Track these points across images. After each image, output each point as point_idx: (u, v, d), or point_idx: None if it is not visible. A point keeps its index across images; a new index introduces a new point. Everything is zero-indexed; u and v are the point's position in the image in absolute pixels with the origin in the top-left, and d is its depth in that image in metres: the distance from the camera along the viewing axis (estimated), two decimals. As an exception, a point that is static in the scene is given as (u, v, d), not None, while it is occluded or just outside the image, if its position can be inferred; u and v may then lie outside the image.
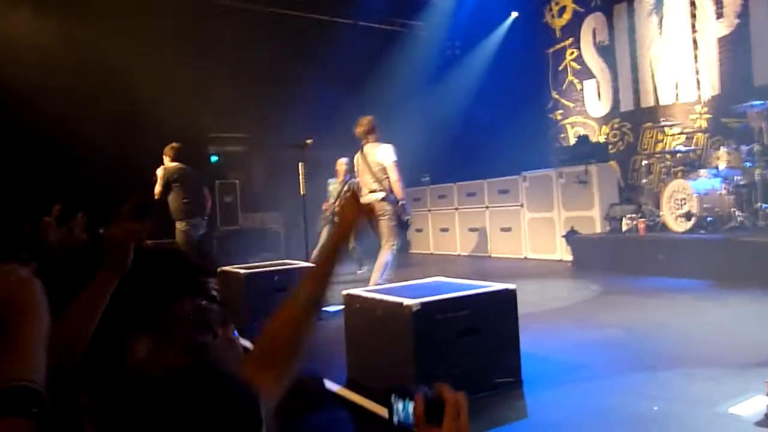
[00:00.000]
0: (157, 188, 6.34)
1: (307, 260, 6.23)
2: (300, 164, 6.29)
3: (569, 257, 7.77)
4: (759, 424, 2.55)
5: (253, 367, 1.14)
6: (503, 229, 9.24)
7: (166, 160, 6.50)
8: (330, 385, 3.56)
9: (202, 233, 6.77)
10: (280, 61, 9.93)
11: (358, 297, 3.36)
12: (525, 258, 8.78)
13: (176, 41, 8.32)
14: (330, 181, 8.29)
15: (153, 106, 7.61)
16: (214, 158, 10.86)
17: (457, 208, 10.21)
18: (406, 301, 2.97)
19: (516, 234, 9.00)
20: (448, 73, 10.79)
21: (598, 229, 7.80)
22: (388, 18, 10.90)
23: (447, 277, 4.11)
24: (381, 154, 5.55)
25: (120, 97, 7.81)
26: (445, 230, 10.48)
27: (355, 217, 1.31)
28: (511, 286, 3.29)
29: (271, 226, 10.77)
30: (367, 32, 10.71)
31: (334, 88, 9.35)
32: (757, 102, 6.40)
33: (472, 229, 9.86)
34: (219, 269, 5.91)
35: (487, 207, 9.59)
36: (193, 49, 8.76)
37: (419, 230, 11.11)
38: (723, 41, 7.84)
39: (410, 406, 1.00)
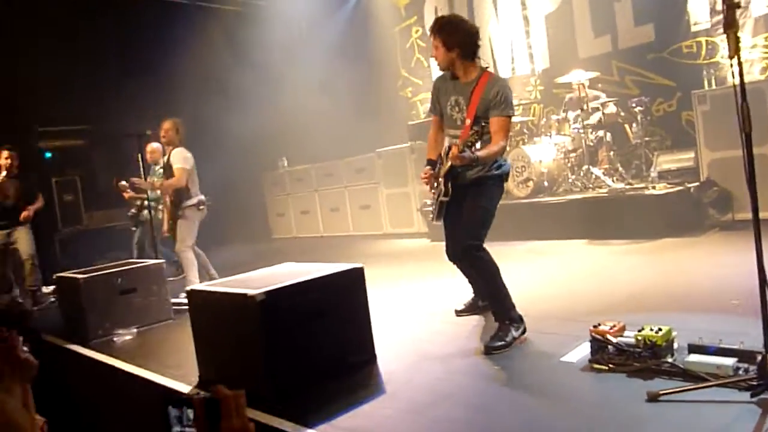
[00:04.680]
0: None
1: (156, 257, 5.89)
2: (140, 156, 5.91)
3: (425, 229, 8.04)
4: (583, 369, 2.79)
5: None
6: (362, 207, 9.35)
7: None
8: (182, 387, 3.40)
9: None
10: (119, 47, 9.23)
11: (201, 292, 3.21)
12: (385, 233, 8.96)
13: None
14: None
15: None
16: (47, 154, 9.88)
17: (316, 190, 10.17)
18: (251, 292, 2.88)
19: (375, 210, 9.15)
20: (298, 53, 10.61)
21: (450, 200, 8.12)
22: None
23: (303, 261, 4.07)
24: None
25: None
26: (306, 212, 10.42)
27: None
28: (358, 264, 3.31)
29: (120, 223, 10.07)
30: (210, 13, 10.25)
31: (179, 72, 8.86)
32: (581, 72, 6.95)
33: (333, 209, 9.88)
34: (55, 276, 5.43)
35: (345, 187, 9.64)
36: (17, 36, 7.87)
37: (281, 215, 10.97)
38: (549, 17, 8.42)
39: (190, 413, 0.98)
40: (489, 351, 3.23)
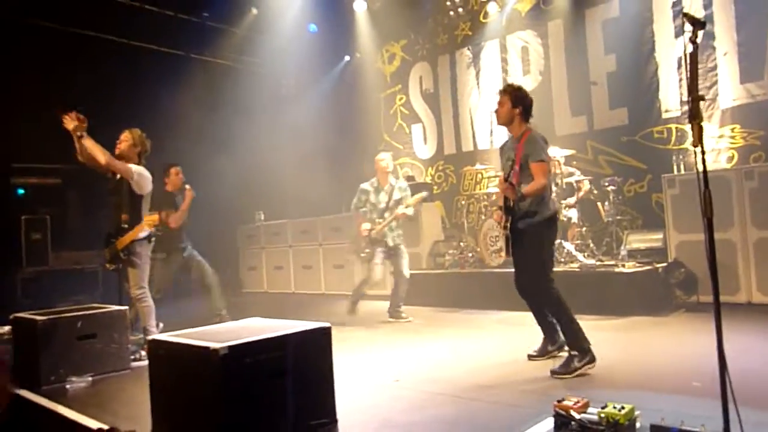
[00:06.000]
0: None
1: (121, 303, 5.74)
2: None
3: (398, 293, 7.98)
4: (546, 445, 2.75)
5: None
6: (336, 266, 9.32)
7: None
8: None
9: None
10: (109, 91, 9.30)
11: (162, 342, 3.13)
12: (357, 294, 8.87)
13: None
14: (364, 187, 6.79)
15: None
16: (20, 191, 9.75)
17: (291, 246, 10.13)
18: (213, 345, 2.82)
19: (348, 270, 9.11)
20: (284, 109, 10.82)
21: (424, 265, 8.15)
22: (221, 53, 10.72)
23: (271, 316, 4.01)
24: None
25: None
26: (279, 268, 10.33)
27: None
28: (325, 324, 3.27)
29: (88, 266, 9.86)
30: (201, 65, 10.46)
31: (161, 119, 8.92)
32: (557, 149, 7.16)
33: (306, 267, 9.82)
34: (12, 316, 5.24)
35: (320, 244, 9.62)
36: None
37: (253, 268, 10.86)
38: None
39: None
40: (553, 374, 3.87)
